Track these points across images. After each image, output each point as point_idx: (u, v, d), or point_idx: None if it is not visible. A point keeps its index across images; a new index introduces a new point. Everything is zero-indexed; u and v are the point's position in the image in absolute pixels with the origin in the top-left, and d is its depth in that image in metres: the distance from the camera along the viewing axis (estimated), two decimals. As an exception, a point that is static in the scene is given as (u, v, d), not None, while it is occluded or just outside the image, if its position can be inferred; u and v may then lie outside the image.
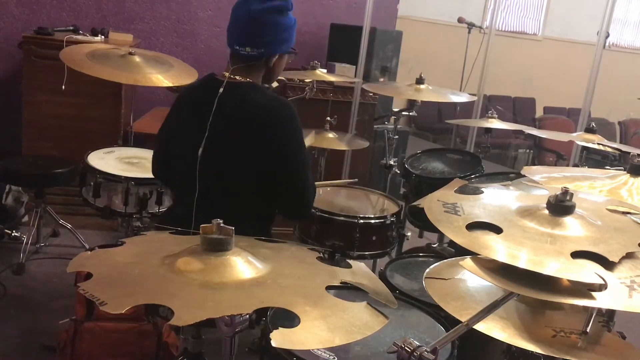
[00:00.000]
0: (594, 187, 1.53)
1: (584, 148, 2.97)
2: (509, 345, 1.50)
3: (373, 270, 2.86)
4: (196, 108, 1.93)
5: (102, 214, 2.62)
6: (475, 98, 3.72)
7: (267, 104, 1.86)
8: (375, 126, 4.25)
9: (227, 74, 1.90)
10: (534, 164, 6.82)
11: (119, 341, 2.19)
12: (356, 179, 2.91)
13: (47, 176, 3.29)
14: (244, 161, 1.87)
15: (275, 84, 3.62)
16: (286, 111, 1.88)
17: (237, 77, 1.89)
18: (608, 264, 1.10)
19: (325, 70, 3.43)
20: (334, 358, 1.46)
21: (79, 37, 3.72)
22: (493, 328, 1.27)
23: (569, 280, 1.11)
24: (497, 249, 1.13)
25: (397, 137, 3.26)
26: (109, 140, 3.41)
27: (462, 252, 1.24)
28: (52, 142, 3.69)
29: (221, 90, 1.85)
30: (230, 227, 1.20)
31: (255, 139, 1.84)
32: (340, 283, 1.27)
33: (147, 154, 2.87)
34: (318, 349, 1.46)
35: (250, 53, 1.86)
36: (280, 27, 1.87)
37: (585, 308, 1.31)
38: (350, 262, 1.41)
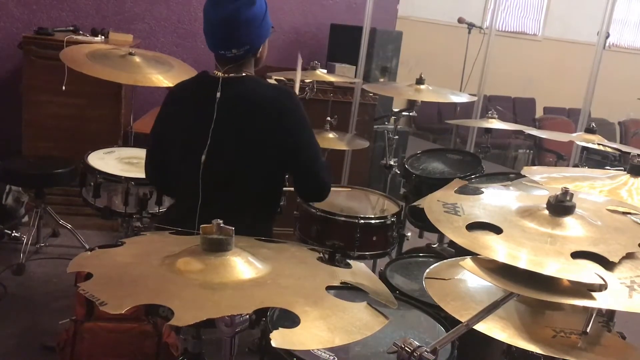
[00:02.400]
0: (594, 188, 1.53)
1: (584, 148, 2.98)
2: (509, 346, 1.50)
3: (373, 270, 2.86)
4: (193, 110, 1.91)
5: (102, 214, 2.62)
6: (475, 98, 3.72)
7: (270, 95, 1.86)
8: (375, 126, 4.25)
9: (219, 74, 1.87)
10: (534, 164, 6.82)
11: (119, 341, 2.19)
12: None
13: (47, 176, 3.29)
14: (251, 158, 1.86)
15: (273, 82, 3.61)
16: (289, 99, 1.88)
17: (232, 74, 1.87)
18: (608, 264, 1.10)
19: (325, 71, 3.43)
20: (334, 358, 1.46)
21: (79, 38, 3.72)
22: (493, 328, 1.27)
23: (569, 281, 1.11)
24: (497, 249, 1.13)
25: (397, 137, 3.26)
26: (109, 141, 3.41)
27: (462, 252, 1.24)
28: (52, 142, 3.69)
29: (218, 95, 1.83)
30: (230, 228, 1.20)
31: (262, 132, 1.83)
32: (340, 283, 1.27)
33: (147, 154, 2.88)
34: (318, 349, 1.46)
35: (237, 54, 1.84)
36: (257, 19, 1.84)
37: (585, 308, 1.31)
38: (351, 262, 1.41)
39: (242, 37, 1.83)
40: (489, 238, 1.16)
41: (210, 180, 1.87)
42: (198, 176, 1.85)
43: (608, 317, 1.43)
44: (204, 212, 1.84)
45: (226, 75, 1.87)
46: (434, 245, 2.90)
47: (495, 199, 1.38)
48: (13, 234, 3.49)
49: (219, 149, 1.85)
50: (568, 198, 1.20)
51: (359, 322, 1.10)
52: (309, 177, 1.95)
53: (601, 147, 2.48)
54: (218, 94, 1.84)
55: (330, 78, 3.19)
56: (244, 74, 1.88)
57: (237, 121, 1.85)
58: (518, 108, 8.09)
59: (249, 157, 1.86)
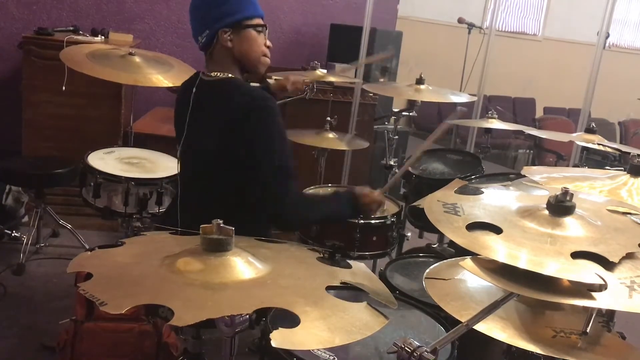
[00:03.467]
0: (594, 188, 1.53)
1: (584, 148, 2.97)
2: (509, 346, 1.50)
3: (373, 270, 2.86)
4: (180, 109, 1.95)
5: (102, 215, 2.62)
6: (475, 98, 3.72)
7: (241, 100, 1.77)
8: (375, 126, 4.25)
9: (207, 73, 1.89)
10: (534, 165, 6.82)
11: (118, 341, 2.19)
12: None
13: (47, 176, 3.29)
14: (218, 161, 1.83)
15: (272, 82, 3.62)
16: (258, 107, 1.75)
17: (215, 74, 1.86)
18: (608, 265, 1.09)
19: (325, 71, 3.43)
20: (334, 358, 1.46)
21: (79, 38, 3.72)
22: (493, 328, 1.27)
23: (569, 281, 1.11)
24: (497, 249, 1.13)
25: (397, 137, 3.25)
26: (109, 141, 3.41)
27: (462, 252, 1.24)
28: (52, 142, 3.69)
29: (194, 90, 1.85)
30: (230, 228, 1.20)
31: (227, 136, 1.78)
32: (340, 283, 1.27)
33: (147, 154, 2.88)
34: (318, 349, 1.46)
35: (202, 41, 1.85)
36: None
37: (585, 308, 1.31)
38: (350, 262, 1.41)
39: (200, 20, 1.85)
40: (489, 238, 1.16)
41: (187, 179, 1.89)
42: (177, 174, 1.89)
43: (608, 317, 1.43)
44: (187, 212, 1.87)
45: (208, 73, 1.88)
46: (434, 246, 2.90)
47: (495, 199, 1.38)
48: (13, 234, 3.49)
49: (194, 148, 1.88)
50: (568, 198, 1.20)
51: (359, 322, 1.10)
52: (264, 191, 1.76)
53: (601, 147, 2.48)
54: (194, 89, 1.85)
55: (330, 78, 3.19)
56: (229, 76, 1.86)
57: (207, 122, 1.84)
58: (518, 108, 8.08)
59: (217, 159, 1.83)
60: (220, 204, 1.85)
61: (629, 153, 2.07)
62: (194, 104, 1.86)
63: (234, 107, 1.78)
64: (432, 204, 1.31)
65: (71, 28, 3.86)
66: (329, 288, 1.20)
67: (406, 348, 1.05)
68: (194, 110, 1.86)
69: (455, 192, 1.41)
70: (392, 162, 3.20)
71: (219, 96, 1.84)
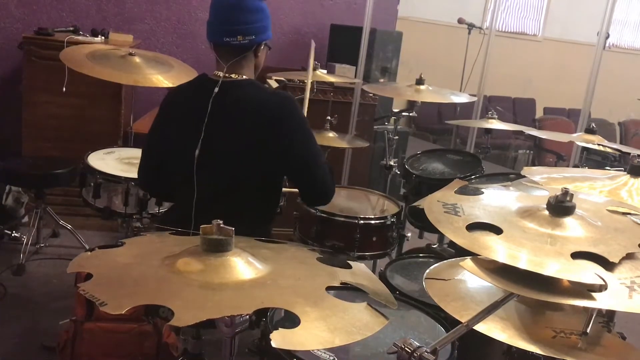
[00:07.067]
0: (594, 188, 1.53)
1: (584, 149, 2.98)
2: (509, 346, 1.50)
3: (373, 271, 2.86)
4: (192, 111, 1.89)
5: (102, 215, 2.62)
6: (475, 99, 3.71)
7: (269, 101, 1.85)
8: (375, 127, 4.25)
9: (219, 73, 1.87)
10: (534, 165, 6.82)
11: (118, 342, 2.19)
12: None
13: (47, 177, 3.29)
14: (248, 161, 1.85)
15: (275, 84, 3.62)
16: (289, 105, 1.87)
17: (233, 75, 1.87)
18: (608, 265, 1.10)
19: (325, 71, 3.43)
20: (334, 358, 1.45)
21: (79, 38, 3.72)
22: (493, 329, 1.27)
23: (569, 281, 1.11)
24: (497, 249, 1.13)
25: (397, 137, 3.25)
26: (109, 141, 3.40)
27: (462, 252, 1.24)
28: (52, 143, 3.69)
29: (216, 90, 1.82)
30: (230, 228, 1.20)
31: (260, 137, 1.83)
32: (340, 284, 1.27)
33: (147, 155, 2.88)
34: (318, 350, 1.46)
35: (242, 42, 1.84)
36: (264, 12, 1.88)
37: (586, 309, 1.31)
38: (351, 262, 1.41)
39: (250, 24, 1.84)
40: (489, 238, 1.16)
41: (205, 180, 1.86)
42: (193, 175, 1.85)
43: (608, 317, 1.43)
44: (203, 215, 1.83)
45: (227, 75, 1.86)
46: (434, 246, 2.90)
47: (495, 200, 1.38)
48: (13, 234, 3.49)
49: (216, 150, 1.85)
50: (568, 198, 1.20)
51: (359, 322, 1.10)
52: (314, 183, 1.94)
53: (601, 148, 2.48)
54: (216, 89, 1.83)
55: (330, 78, 3.19)
56: (244, 77, 1.88)
57: (234, 124, 1.84)
58: (518, 108, 8.09)
59: (247, 159, 1.85)
60: (248, 201, 1.90)
61: (629, 153, 2.08)
62: (215, 105, 1.83)
63: (268, 107, 1.84)
64: (432, 204, 1.31)
65: (71, 28, 3.85)
66: (329, 288, 1.20)
67: (406, 348, 1.05)
68: (217, 111, 1.83)
69: (455, 192, 1.41)
70: (392, 163, 3.20)
71: (246, 97, 1.85)
